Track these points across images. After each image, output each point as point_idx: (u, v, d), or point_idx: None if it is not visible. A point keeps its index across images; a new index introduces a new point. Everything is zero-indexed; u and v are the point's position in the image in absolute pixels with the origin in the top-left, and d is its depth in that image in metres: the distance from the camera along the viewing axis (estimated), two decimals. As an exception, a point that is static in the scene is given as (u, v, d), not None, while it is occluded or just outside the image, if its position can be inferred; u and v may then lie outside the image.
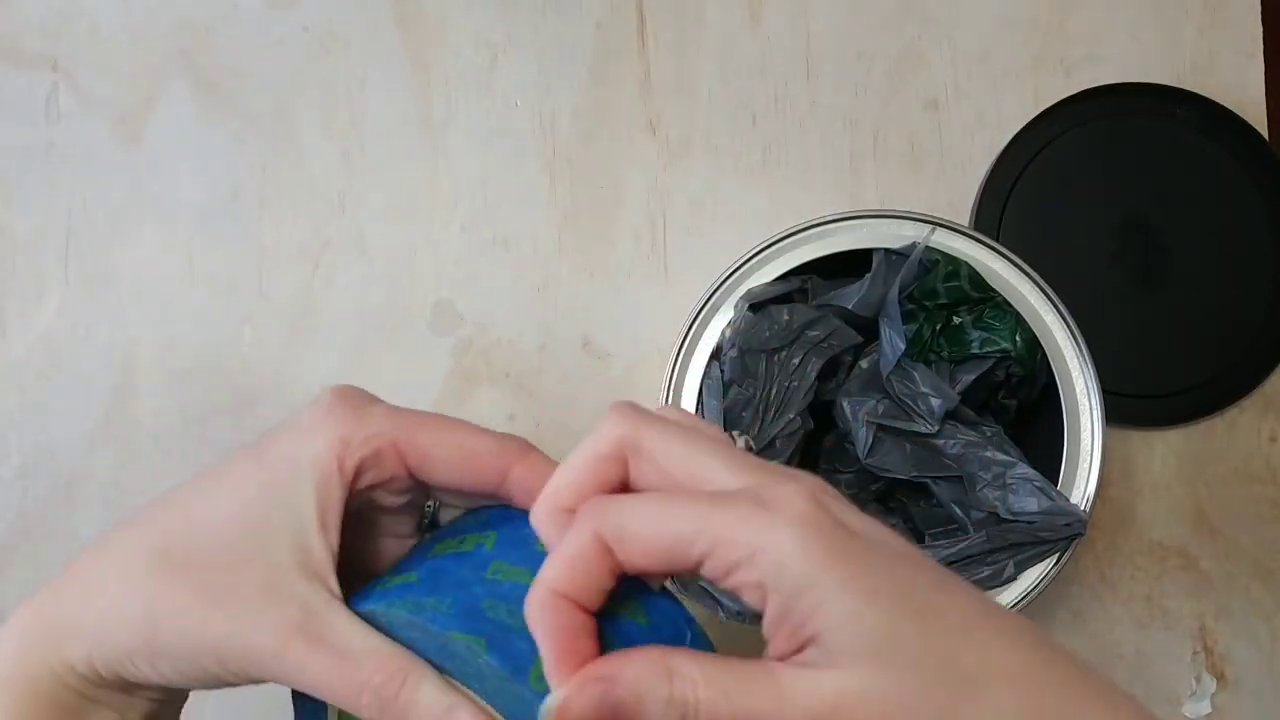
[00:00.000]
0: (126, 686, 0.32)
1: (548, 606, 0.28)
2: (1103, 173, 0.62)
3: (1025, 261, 0.52)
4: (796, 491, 0.28)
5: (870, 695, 0.26)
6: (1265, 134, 0.62)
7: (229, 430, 0.62)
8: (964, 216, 0.62)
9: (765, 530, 0.27)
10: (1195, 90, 0.62)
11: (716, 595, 0.48)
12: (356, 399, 0.33)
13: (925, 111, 0.63)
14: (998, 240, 0.53)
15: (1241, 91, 0.63)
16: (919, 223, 0.52)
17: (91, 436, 0.62)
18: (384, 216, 0.63)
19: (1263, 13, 0.64)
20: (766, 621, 0.28)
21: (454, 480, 0.33)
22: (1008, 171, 0.61)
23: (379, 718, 0.29)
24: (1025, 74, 0.63)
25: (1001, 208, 0.61)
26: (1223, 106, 0.61)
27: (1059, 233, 0.61)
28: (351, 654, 0.30)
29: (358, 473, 0.32)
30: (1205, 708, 0.59)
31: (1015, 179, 0.61)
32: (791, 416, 0.51)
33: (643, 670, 0.27)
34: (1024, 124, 0.62)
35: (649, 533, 0.28)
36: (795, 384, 0.51)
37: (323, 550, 0.31)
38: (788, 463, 0.51)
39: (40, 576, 0.61)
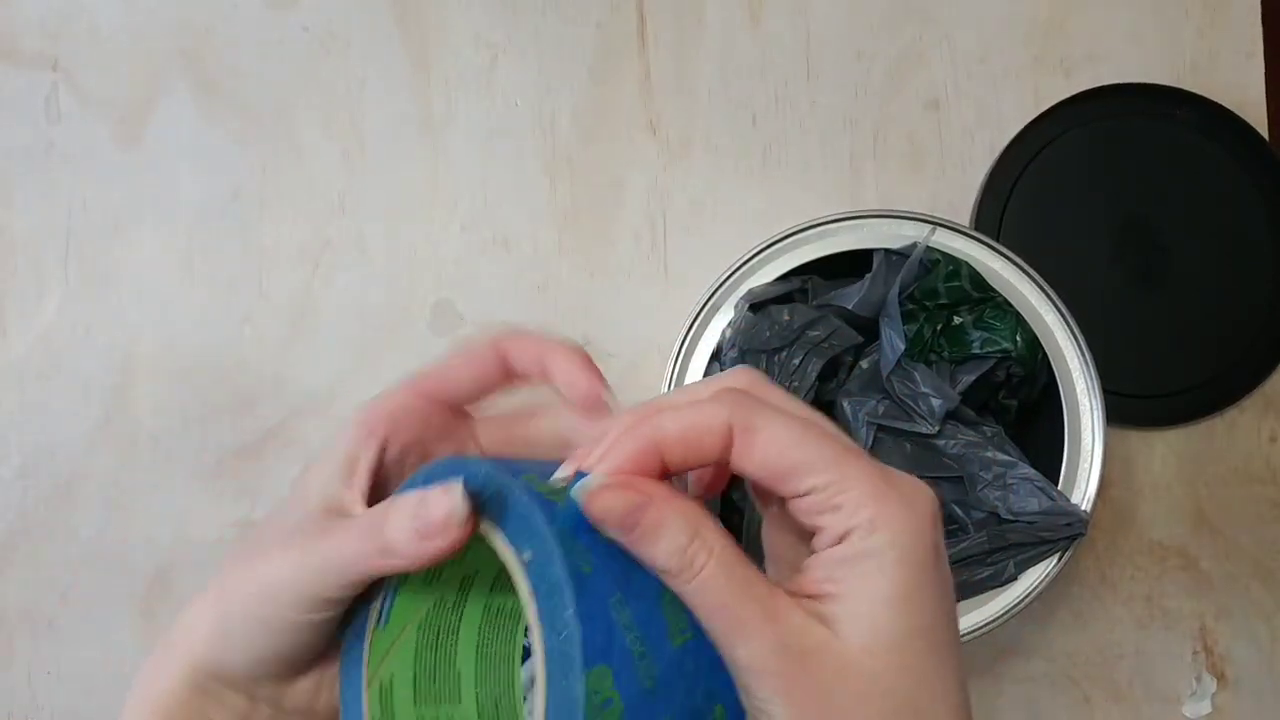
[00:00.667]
0: (236, 684, 0.34)
1: (639, 449, 0.29)
2: (1103, 173, 0.62)
3: (1025, 261, 0.52)
4: (928, 497, 0.30)
5: (848, 666, 0.28)
6: (1265, 134, 0.62)
7: (229, 430, 0.62)
8: (964, 216, 0.62)
9: (891, 505, 0.29)
10: (1195, 90, 0.62)
11: None
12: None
13: (925, 111, 0.63)
14: (998, 240, 0.53)
15: (1241, 91, 0.63)
16: (919, 222, 0.52)
17: (91, 436, 0.62)
18: (384, 216, 0.63)
19: (1263, 13, 0.64)
20: (820, 558, 0.29)
21: (467, 388, 0.36)
22: (1008, 171, 0.61)
23: (374, 544, 0.31)
24: (1025, 74, 0.63)
25: (1001, 208, 0.61)
26: (1223, 106, 0.61)
27: (1059, 233, 0.61)
28: (355, 515, 0.32)
29: (392, 430, 0.35)
30: (1205, 708, 0.59)
31: (1015, 179, 0.61)
32: None
33: (677, 513, 0.29)
34: (1024, 124, 0.62)
35: (781, 445, 0.29)
36: (796, 384, 0.51)
37: (348, 496, 0.34)
38: None
39: (40, 576, 0.62)
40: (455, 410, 0.37)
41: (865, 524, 0.28)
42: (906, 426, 0.50)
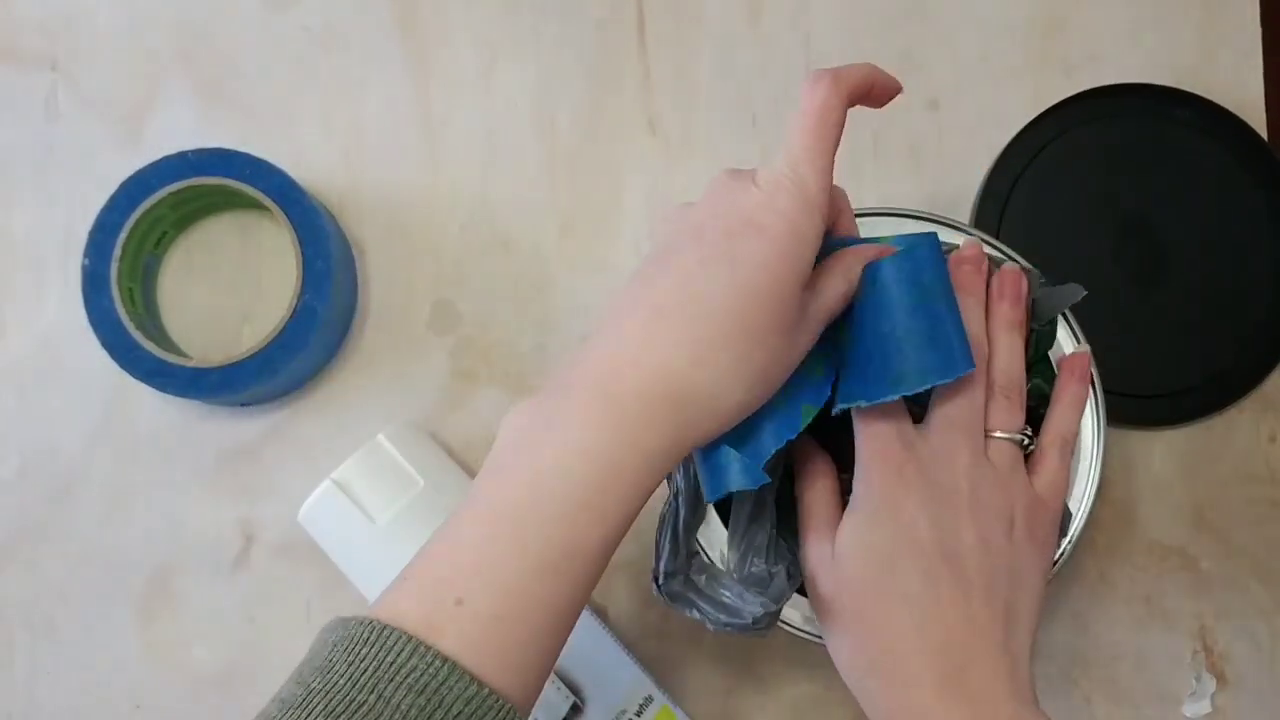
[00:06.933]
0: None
1: None
2: (1103, 172, 0.62)
3: (1025, 261, 0.52)
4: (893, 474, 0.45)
5: (831, 569, 0.46)
6: (1265, 134, 0.62)
7: (229, 430, 0.62)
8: (964, 216, 0.62)
9: (866, 472, 0.46)
10: (1195, 90, 0.62)
11: (702, 607, 0.47)
12: None
13: (925, 111, 0.63)
14: (998, 240, 0.53)
15: (1241, 91, 0.63)
16: (920, 221, 0.52)
17: (91, 436, 0.62)
18: (384, 216, 0.63)
19: (1263, 13, 0.64)
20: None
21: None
22: (1008, 171, 0.61)
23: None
24: (1025, 74, 0.63)
25: (1001, 208, 0.61)
26: (1223, 107, 0.61)
27: (1059, 233, 0.61)
28: None
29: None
30: (1205, 708, 0.59)
31: (1015, 179, 0.61)
32: None
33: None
34: (1024, 124, 0.62)
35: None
36: None
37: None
38: (777, 467, 0.51)
39: (40, 576, 0.62)
40: None
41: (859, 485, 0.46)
42: None
